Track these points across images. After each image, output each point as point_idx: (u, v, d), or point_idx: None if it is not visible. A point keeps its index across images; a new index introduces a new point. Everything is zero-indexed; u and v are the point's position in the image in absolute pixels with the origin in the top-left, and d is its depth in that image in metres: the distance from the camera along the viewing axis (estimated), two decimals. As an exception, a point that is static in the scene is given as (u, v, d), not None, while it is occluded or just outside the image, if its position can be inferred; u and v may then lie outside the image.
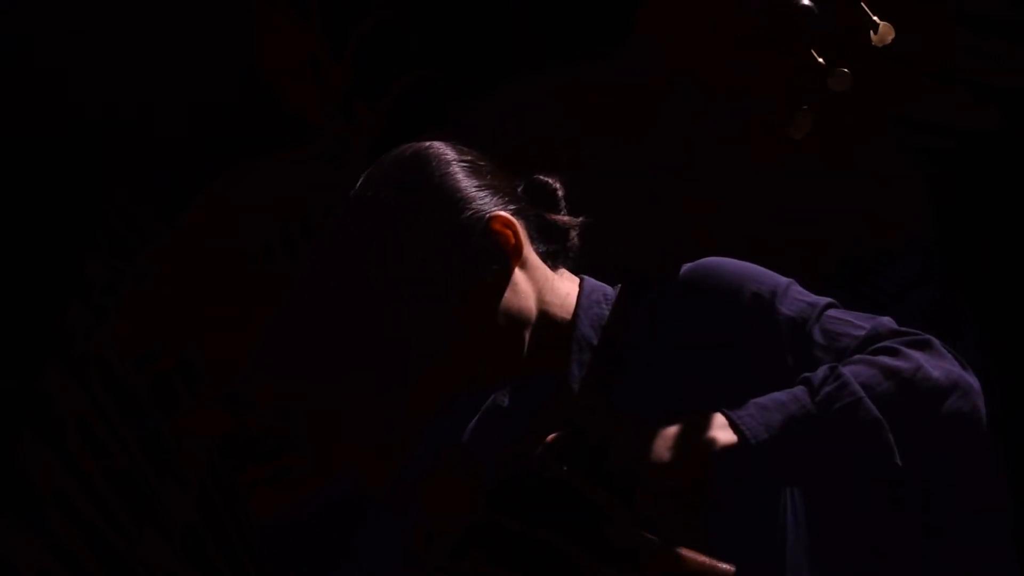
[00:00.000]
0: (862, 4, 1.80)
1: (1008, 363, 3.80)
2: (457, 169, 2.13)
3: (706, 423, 1.88)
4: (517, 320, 2.11)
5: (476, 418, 2.29)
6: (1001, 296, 3.89)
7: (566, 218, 2.21)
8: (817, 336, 1.95)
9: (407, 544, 2.26)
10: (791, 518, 2.06)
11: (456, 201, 2.10)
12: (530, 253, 2.15)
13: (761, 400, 1.89)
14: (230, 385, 4.50)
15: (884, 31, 1.81)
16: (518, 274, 2.12)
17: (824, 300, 2.03)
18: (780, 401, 1.88)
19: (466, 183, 2.12)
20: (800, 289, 2.04)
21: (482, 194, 2.12)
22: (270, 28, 4.51)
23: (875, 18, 1.81)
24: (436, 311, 2.06)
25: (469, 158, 2.16)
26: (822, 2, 1.83)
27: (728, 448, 1.86)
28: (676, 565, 1.91)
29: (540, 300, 2.14)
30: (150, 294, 4.55)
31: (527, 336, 2.11)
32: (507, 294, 2.10)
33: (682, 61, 3.89)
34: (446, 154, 2.14)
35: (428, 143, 2.17)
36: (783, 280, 2.05)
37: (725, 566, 1.93)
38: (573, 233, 2.21)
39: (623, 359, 2.02)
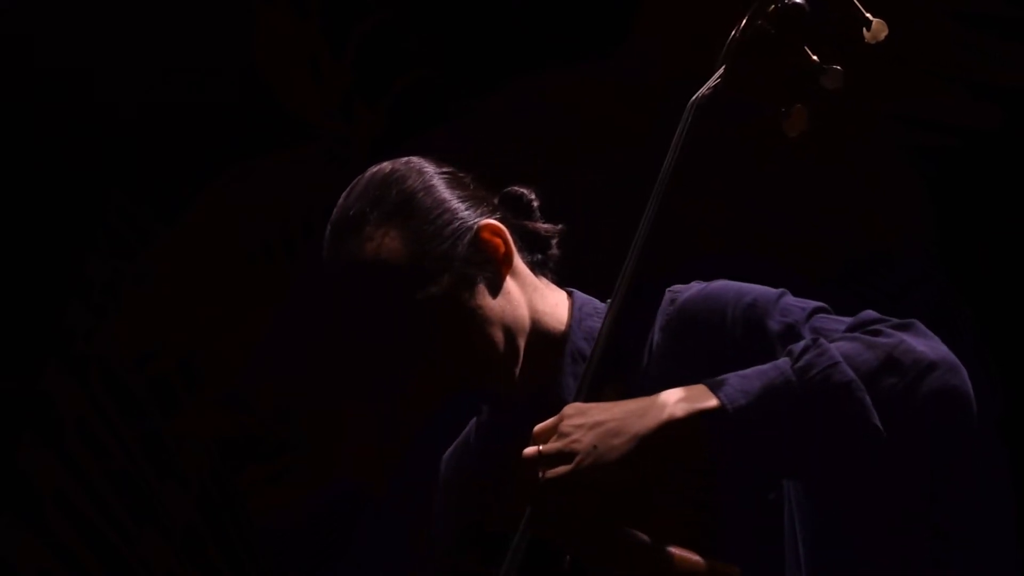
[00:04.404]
0: (854, 1, 1.80)
1: (1008, 363, 3.79)
2: (438, 181, 2.13)
3: (687, 393, 1.88)
4: (512, 328, 2.10)
5: (466, 433, 2.29)
6: (1001, 296, 3.89)
7: (547, 226, 2.21)
8: (807, 336, 1.95)
9: (407, 544, 2.26)
10: (792, 513, 2.05)
11: (441, 212, 2.09)
12: (519, 262, 2.15)
13: (742, 371, 1.89)
14: (230, 385, 4.50)
15: (877, 28, 1.81)
16: (509, 282, 2.12)
17: (814, 304, 2.02)
18: (760, 370, 1.87)
19: (448, 194, 2.12)
20: (792, 298, 2.04)
21: (466, 204, 2.12)
22: (270, 28, 4.51)
23: (868, 15, 1.80)
24: (430, 322, 2.06)
25: (449, 170, 2.17)
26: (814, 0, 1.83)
27: (706, 413, 1.85)
28: (668, 564, 1.91)
29: (532, 308, 2.13)
30: (150, 294, 4.55)
31: (522, 344, 2.11)
32: (500, 302, 2.10)
33: (681, 62, 3.89)
34: (425, 167, 2.14)
35: (406, 158, 2.16)
36: (774, 291, 2.04)
37: (717, 563, 1.93)
38: (554, 242, 2.21)
39: (617, 371, 2.01)
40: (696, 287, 2.09)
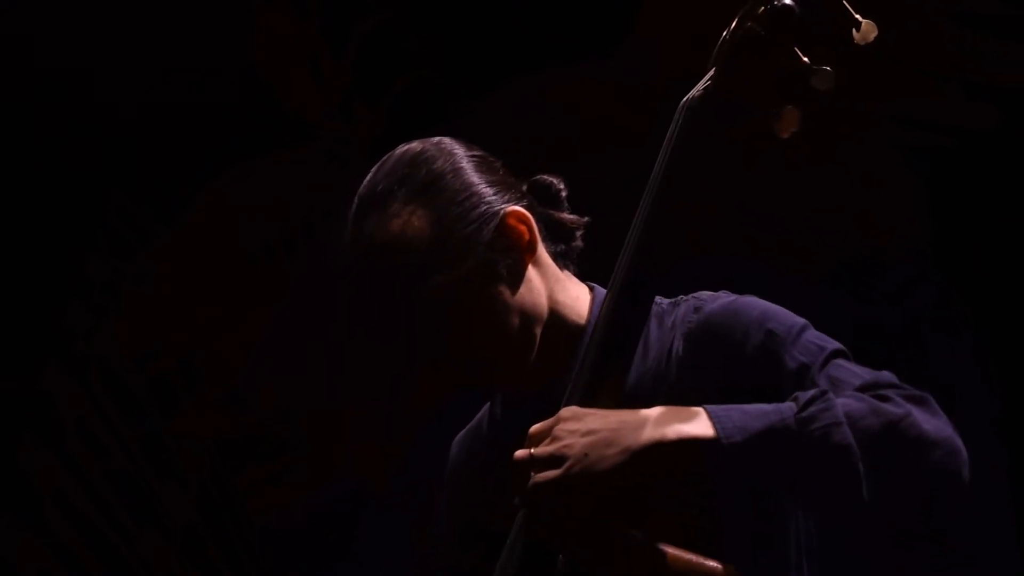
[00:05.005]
0: (843, 2, 1.80)
1: (1006, 363, 3.79)
2: (467, 164, 2.11)
3: (685, 415, 1.87)
4: (530, 316, 2.09)
5: (479, 418, 2.28)
6: (999, 296, 3.88)
7: (573, 217, 2.20)
8: (822, 382, 1.95)
9: (407, 544, 2.26)
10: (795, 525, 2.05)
11: (469, 196, 2.08)
12: (542, 251, 2.14)
13: (747, 407, 1.88)
14: (230, 385, 4.50)
15: (867, 29, 1.81)
16: (531, 271, 2.11)
17: (834, 346, 2.01)
18: (763, 411, 1.87)
19: (477, 178, 2.10)
20: (814, 333, 2.02)
21: (493, 189, 2.10)
22: (270, 28, 4.52)
23: (857, 16, 1.80)
24: (447, 305, 2.05)
25: (479, 153, 2.15)
26: (804, 1, 1.82)
27: (700, 442, 1.85)
28: (665, 564, 1.91)
29: (552, 299, 2.12)
30: (150, 294, 4.56)
31: (539, 333, 2.09)
32: (521, 290, 2.08)
33: (681, 62, 3.88)
34: (455, 149, 2.13)
35: (437, 139, 2.14)
36: (798, 322, 2.03)
37: (712, 563, 1.93)
38: (578, 233, 2.20)
39: (625, 366, 2.01)
40: (724, 299, 2.08)
